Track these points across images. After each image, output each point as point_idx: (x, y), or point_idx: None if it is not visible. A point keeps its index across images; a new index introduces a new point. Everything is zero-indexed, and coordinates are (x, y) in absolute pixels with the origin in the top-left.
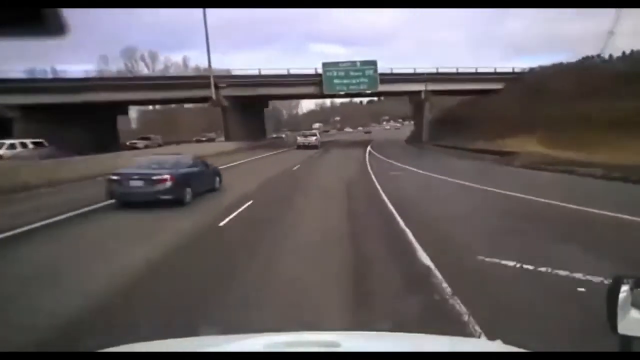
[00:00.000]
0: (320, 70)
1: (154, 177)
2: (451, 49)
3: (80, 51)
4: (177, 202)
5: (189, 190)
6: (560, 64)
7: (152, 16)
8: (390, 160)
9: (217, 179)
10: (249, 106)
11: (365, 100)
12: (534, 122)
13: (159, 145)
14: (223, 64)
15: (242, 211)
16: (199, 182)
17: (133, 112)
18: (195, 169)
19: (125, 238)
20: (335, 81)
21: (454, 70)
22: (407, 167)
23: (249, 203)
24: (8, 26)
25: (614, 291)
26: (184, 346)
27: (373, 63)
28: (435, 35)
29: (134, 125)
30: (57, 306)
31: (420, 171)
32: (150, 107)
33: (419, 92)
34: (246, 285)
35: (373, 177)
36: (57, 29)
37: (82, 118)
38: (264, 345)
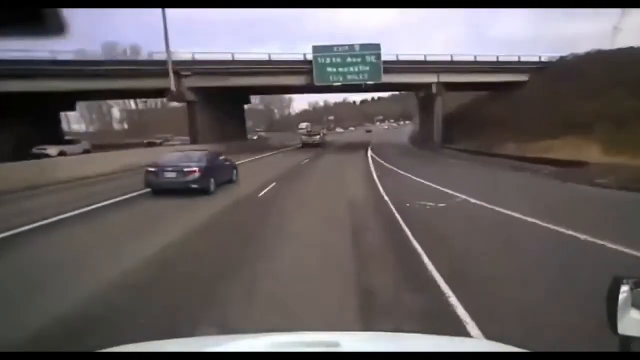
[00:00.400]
0: (310, 56)
1: (185, 169)
2: (455, 42)
3: (57, 45)
4: (203, 191)
5: (212, 180)
6: (599, 51)
7: (139, 13)
8: (408, 174)
9: (235, 172)
10: (225, 101)
11: (358, 100)
12: (580, 120)
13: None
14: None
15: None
16: (221, 174)
17: (116, 110)
18: (217, 163)
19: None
20: (329, 69)
21: (471, 59)
22: (440, 187)
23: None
24: (8, 26)
25: (614, 291)
26: (184, 346)
27: (375, 47)
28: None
29: (125, 125)
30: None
31: (472, 200)
32: (133, 105)
33: (430, 84)
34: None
35: (397, 215)
36: (57, 29)
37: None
38: (264, 345)
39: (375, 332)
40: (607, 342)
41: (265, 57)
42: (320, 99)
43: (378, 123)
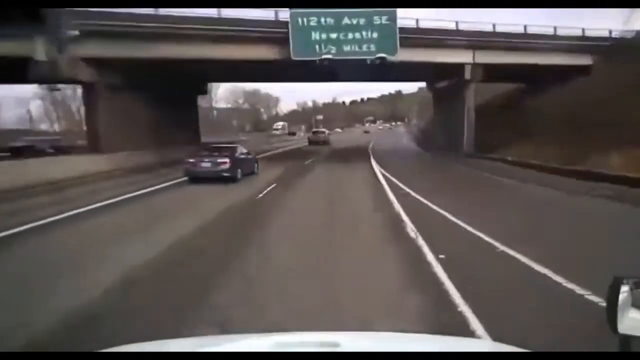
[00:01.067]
0: (285, 15)
1: (218, 160)
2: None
3: None
4: (231, 179)
5: (239, 171)
6: None
7: None
8: (481, 235)
9: (256, 165)
10: (162, 88)
11: (348, 100)
12: None
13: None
14: None
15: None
16: (245, 166)
17: None
18: (243, 156)
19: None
20: (316, 36)
21: (520, 30)
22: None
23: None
24: (8, 26)
25: (614, 291)
26: (184, 346)
27: (388, 10)
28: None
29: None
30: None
31: None
32: None
33: (461, 66)
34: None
35: None
36: (57, 28)
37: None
38: (264, 345)
39: (375, 332)
40: (606, 342)
41: (213, 15)
42: (309, 98)
43: (368, 124)
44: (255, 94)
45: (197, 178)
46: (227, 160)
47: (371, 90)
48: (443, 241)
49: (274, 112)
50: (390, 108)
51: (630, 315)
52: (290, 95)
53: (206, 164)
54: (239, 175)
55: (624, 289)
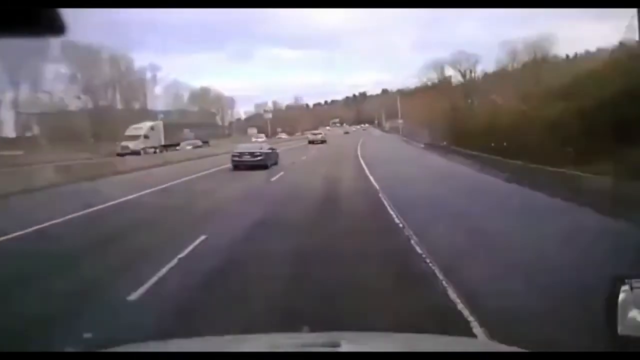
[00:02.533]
0: None
1: (255, 153)
2: None
3: None
4: (264, 167)
5: (269, 162)
6: None
7: None
8: None
9: (278, 157)
10: None
11: (311, 103)
12: None
13: None
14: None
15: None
16: (272, 158)
17: None
18: (269, 151)
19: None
20: None
21: None
22: None
23: None
24: (8, 26)
25: (614, 291)
26: (184, 346)
27: None
28: None
29: None
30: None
31: None
32: None
33: None
34: None
35: None
36: (57, 29)
37: None
38: (264, 345)
39: (375, 332)
40: (606, 342)
41: None
42: (268, 99)
43: (328, 127)
44: (204, 94)
45: (240, 166)
46: (260, 153)
47: (335, 92)
48: None
49: (229, 114)
50: (354, 110)
51: (630, 316)
52: (245, 97)
53: (246, 157)
54: (268, 164)
55: (624, 288)
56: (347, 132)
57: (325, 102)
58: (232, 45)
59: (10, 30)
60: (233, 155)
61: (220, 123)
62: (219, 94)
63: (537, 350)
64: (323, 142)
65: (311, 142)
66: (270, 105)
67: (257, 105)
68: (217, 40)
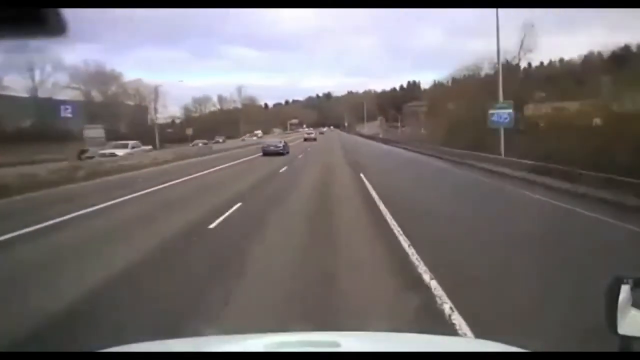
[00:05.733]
0: None
1: (278, 145)
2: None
3: None
4: (282, 154)
5: (285, 151)
6: None
7: None
8: None
9: (288, 148)
10: None
11: (271, 103)
12: None
13: None
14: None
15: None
16: (286, 148)
17: None
18: (284, 144)
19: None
20: None
21: None
22: None
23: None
24: (8, 26)
25: (614, 291)
26: (184, 346)
27: None
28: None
29: None
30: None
31: None
32: None
33: None
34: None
35: None
36: (57, 29)
37: None
38: (264, 345)
39: (375, 332)
40: (606, 342)
41: None
42: (213, 93)
43: (296, 127)
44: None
45: (267, 153)
46: (281, 145)
47: (295, 92)
48: None
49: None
50: (317, 111)
51: (630, 315)
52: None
53: (272, 147)
54: (285, 152)
55: (624, 288)
56: (321, 133)
57: (286, 102)
58: (193, 42)
59: (10, 31)
60: (263, 147)
61: (153, 118)
62: (153, 87)
63: (537, 351)
64: (314, 140)
65: (306, 139)
66: (215, 98)
67: (195, 99)
68: (176, 37)
